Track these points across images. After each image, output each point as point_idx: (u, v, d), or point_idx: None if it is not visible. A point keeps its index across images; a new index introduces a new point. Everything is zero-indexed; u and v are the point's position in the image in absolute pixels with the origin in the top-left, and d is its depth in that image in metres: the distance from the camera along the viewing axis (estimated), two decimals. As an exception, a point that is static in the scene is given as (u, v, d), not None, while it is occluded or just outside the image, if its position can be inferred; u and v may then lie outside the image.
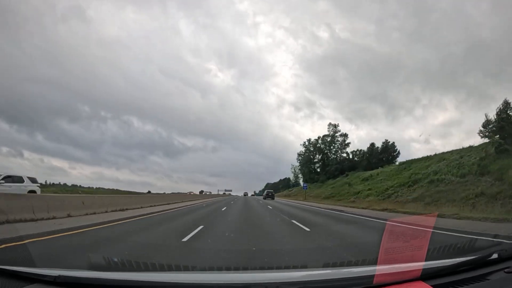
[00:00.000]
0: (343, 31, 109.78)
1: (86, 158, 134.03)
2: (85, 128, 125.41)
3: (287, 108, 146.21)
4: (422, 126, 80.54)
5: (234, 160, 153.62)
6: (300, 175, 77.59)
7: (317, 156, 65.41)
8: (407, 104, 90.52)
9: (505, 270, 1.63)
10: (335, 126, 63.98)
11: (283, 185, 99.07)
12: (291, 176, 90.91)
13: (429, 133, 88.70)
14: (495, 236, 6.09)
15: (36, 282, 1.54)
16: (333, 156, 61.60)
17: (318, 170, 63.52)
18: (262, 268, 3.41)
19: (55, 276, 1.54)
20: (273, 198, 41.38)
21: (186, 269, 2.85)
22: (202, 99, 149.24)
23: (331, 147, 62.69)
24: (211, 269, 3.20)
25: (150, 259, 3.65)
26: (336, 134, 62.65)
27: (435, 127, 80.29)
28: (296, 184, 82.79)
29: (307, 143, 68.52)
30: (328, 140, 63.02)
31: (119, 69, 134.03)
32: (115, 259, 2.53)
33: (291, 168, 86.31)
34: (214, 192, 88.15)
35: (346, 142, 61.48)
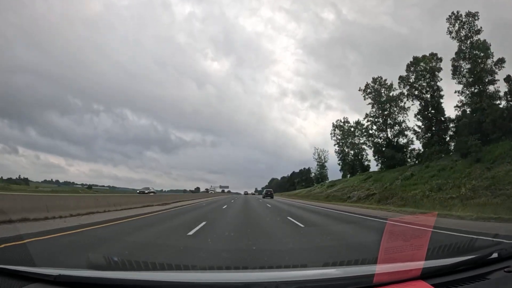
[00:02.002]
0: (351, 11, 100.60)
1: (82, 155, 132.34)
2: (77, 123, 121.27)
3: (290, 99, 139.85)
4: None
5: (234, 156, 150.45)
6: (332, 163, 54.16)
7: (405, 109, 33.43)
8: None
9: (505, 269, 1.64)
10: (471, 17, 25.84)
11: (302, 179, 72.77)
12: (314, 166, 62.93)
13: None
14: (495, 235, 6.08)
15: (37, 282, 1.55)
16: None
17: (401, 142, 34.20)
18: (262, 267, 3.40)
19: (56, 276, 1.54)
20: (272, 197, 42.10)
21: (186, 268, 2.85)
22: (199, 89, 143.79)
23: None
24: (211, 268, 3.20)
25: None
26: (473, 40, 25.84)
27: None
28: (322, 177, 57.99)
29: (373, 86, 36.09)
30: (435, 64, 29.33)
31: (106, 54, 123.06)
32: (115, 259, 2.53)
33: (314, 153, 60.32)
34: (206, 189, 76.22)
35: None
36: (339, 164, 48.02)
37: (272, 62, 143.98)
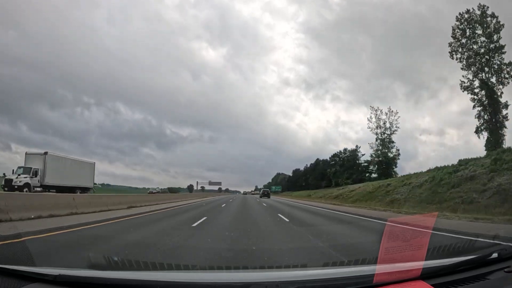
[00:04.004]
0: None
1: (76, 151, 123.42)
2: (69, 117, 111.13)
3: (293, 89, 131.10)
4: (444, 114, 65.06)
5: (233, 153, 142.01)
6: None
7: None
8: (433, 85, 72.07)
9: (505, 269, 1.64)
10: None
11: (341, 171, 43.63)
12: (373, 143, 35.69)
13: (429, 132, 76.40)
14: (495, 237, 6.09)
15: (37, 281, 1.55)
16: None
17: None
18: (262, 267, 3.40)
19: (55, 275, 1.54)
20: (268, 197, 43.01)
21: (186, 268, 2.85)
22: (194, 81, 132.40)
23: None
24: (211, 268, 3.20)
25: None
26: None
27: (453, 115, 65.24)
28: (387, 163, 32.65)
29: None
30: None
31: (93, 35, 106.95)
32: (115, 258, 2.53)
33: (370, 118, 34.47)
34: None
35: None
36: (481, 124, 22.29)
37: (272, 49, 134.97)
